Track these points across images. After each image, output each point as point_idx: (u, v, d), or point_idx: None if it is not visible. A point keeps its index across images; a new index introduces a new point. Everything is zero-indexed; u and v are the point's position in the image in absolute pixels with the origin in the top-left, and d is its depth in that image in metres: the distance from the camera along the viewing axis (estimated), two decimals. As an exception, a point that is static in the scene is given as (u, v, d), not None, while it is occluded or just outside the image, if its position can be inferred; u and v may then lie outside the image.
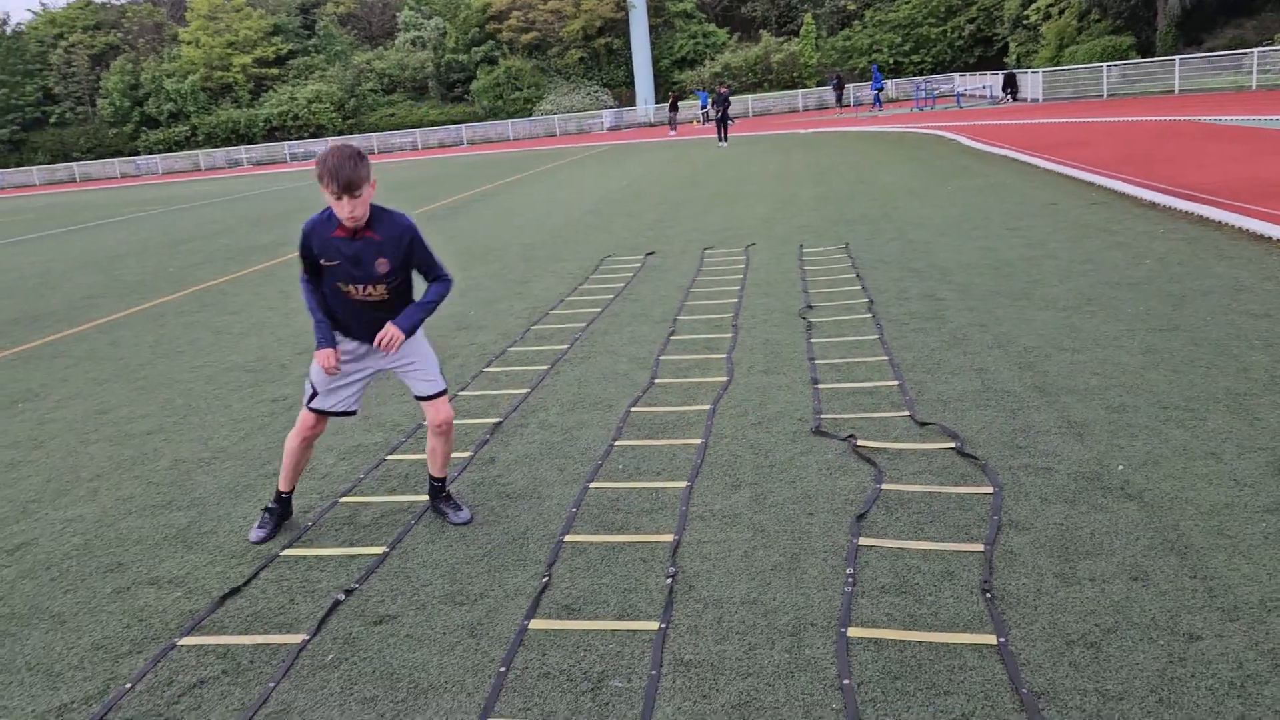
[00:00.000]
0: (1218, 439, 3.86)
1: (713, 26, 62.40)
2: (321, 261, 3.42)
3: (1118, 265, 7.16)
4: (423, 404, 3.68)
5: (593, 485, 4.00)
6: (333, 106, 62.77)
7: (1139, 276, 6.74)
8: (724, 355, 5.80)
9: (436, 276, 3.54)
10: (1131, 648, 2.56)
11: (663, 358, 5.89)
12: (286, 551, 3.63)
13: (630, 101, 58.65)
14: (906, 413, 4.51)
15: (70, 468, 4.87)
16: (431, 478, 3.83)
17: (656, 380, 5.43)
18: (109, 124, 66.37)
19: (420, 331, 3.63)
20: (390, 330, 3.39)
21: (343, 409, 3.66)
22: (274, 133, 63.72)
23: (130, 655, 3.00)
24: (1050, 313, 6.02)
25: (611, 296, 7.93)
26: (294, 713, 2.63)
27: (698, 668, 2.66)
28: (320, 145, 58.36)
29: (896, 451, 4.07)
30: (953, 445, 4.04)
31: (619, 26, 59.48)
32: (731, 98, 42.88)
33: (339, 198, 3.22)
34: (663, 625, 2.88)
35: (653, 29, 59.87)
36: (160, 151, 64.37)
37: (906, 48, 56.45)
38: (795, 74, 57.32)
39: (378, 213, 3.37)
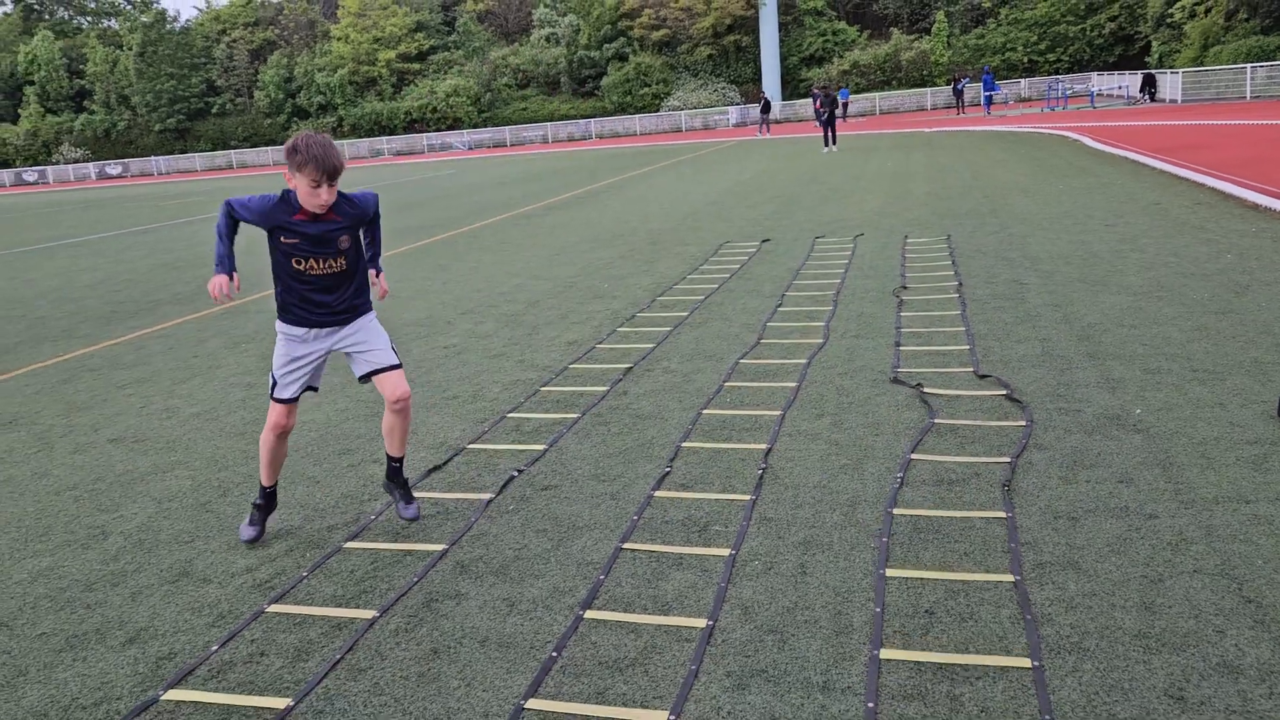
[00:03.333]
0: (1230, 394, 4.61)
1: (843, 24, 62.46)
2: (281, 239, 3.42)
3: (1198, 259, 7.75)
4: (378, 379, 3.66)
5: (705, 411, 5.03)
6: (469, 100, 65.63)
7: (1215, 269, 7.33)
8: (822, 323, 6.74)
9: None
10: (1101, 521, 3.44)
11: (769, 324, 6.86)
12: (471, 445, 4.79)
13: (757, 99, 59.28)
14: (971, 369, 5.38)
15: (295, 388, 6.19)
16: (389, 457, 3.85)
17: (763, 340, 6.41)
18: (264, 114, 71.10)
19: (373, 312, 3.75)
20: (383, 283, 3.93)
21: (306, 387, 3.73)
22: (413, 125, 67.00)
23: (369, 501, 4.19)
24: (1122, 297, 6.72)
25: (728, 275, 8.92)
26: (489, 536, 3.75)
27: (776, 522, 3.66)
28: (457, 137, 61.13)
29: (956, 396, 4.95)
30: (1003, 392, 4.91)
31: (748, 24, 60.23)
32: (840, 98, 42.93)
33: (319, 185, 3.25)
34: (753, 497, 3.89)
35: (782, 26, 60.42)
36: (310, 141, 68.45)
37: (1042, 46, 55.38)
38: (925, 72, 56.91)
39: (339, 196, 3.44)
